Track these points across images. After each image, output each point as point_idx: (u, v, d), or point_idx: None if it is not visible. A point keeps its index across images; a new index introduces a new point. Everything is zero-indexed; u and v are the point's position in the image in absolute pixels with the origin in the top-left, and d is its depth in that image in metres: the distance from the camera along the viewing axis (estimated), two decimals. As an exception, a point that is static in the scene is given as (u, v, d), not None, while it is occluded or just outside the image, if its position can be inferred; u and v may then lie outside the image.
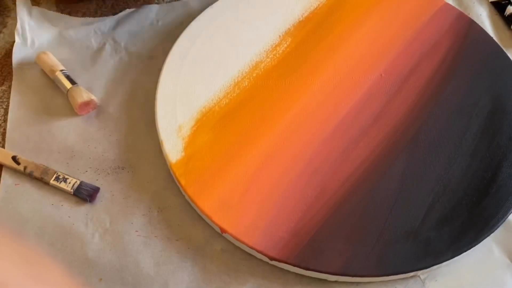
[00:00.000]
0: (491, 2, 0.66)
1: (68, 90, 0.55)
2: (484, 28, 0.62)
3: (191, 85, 0.56)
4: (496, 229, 0.47)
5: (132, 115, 0.56)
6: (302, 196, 0.48)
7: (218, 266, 0.46)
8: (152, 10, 0.64)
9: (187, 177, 0.49)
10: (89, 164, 0.52)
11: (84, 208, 0.49)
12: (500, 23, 0.64)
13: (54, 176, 0.50)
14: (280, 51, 0.59)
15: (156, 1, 0.65)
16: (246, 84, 0.56)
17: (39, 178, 0.50)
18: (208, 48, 0.59)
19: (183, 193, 0.49)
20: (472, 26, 0.61)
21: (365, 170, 0.50)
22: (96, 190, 0.50)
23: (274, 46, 0.59)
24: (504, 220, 0.48)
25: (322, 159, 0.51)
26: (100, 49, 0.61)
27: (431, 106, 0.55)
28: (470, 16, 0.63)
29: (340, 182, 0.49)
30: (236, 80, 0.56)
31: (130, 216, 0.49)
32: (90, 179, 0.51)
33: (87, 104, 0.55)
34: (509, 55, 0.59)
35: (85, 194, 0.49)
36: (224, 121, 0.53)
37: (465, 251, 0.46)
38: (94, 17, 0.63)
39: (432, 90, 0.56)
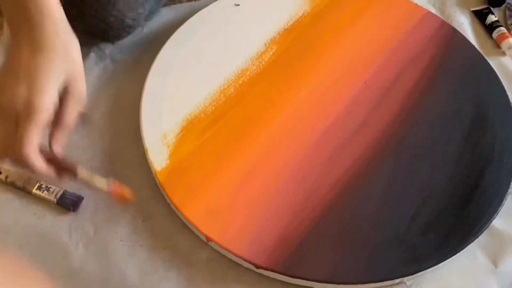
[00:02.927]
0: (473, 11, 0.67)
1: (52, 98, 0.55)
2: (466, 36, 0.63)
3: (177, 93, 0.55)
4: (480, 234, 0.47)
5: (116, 123, 0.55)
6: (289, 204, 0.48)
7: (204, 275, 0.46)
8: (137, 18, 0.64)
9: (173, 185, 0.48)
10: (73, 173, 0.51)
11: (68, 218, 0.48)
12: (482, 31, 0.65)
13: (37, 185, 0.49)
14: (266, 59, 0.59)
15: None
16: (232, 91, 0.56)
17: (22, 187, 0.49)
18: (194, 56, 0.59)
19: (169, 201, 0.48)
20: (454, 35, 0.62)
21: (350, 177, 0.50)
22: (80, 199, 0.49)
23: (259, 53, 0.60)
24: (488, 226, 0.48)
25: (308, 166, 0.51)
26: (84, 57, 0.60)
27: (416, 113, 0.55)
28: (452, 24, 0.64)
29: (326, 189, 0.49)
30: (222, 88, 0.56)
31: (114, 225, 0.48)
32: (74, 188, 0.50)
33: (71, 112, 0.54)
34: (490, 62, 0.60)
35: (68, 203, 0.48)
36: (210, 129, 0.53)
37: (450, 257, 0.46)
38: (79, 24, 0.63)
39: (416, 97, 0.56)
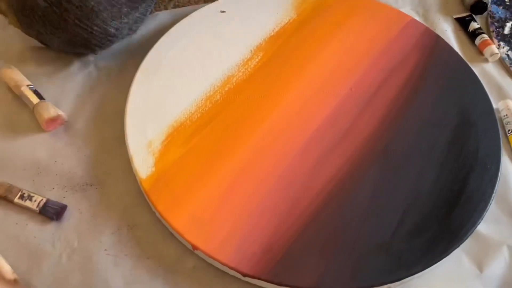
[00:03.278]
0: (456, 18, 0.68)
1: (35, 105, 0.54)
2: (449, 43, 0.64)
3: (162, 100, 0.55)
4: (466, 239, 0.48)
5: (101, 130, 0.55)
6: (275, 211, 0.48)
7: (190, 284, 0.45)
8: (122, 24, 0.64)
9: (158, 193, 0.48)
10: (56, 181, 0.50)
11: (51, 227, 0.47)
12: (464, 38, 0.66)
13: (19, 194, 0.48)
14: (252, 66, 0.59)
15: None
16: (218, 98, 0.56)
17: (3, 196, 0.48)
18: (180, 62, 0.59)
19: (154, 209, 0.48)
20: (438, 42, 0.63)
21: (337, 183, 0.50)
22: (63, 208, 0.48)
23: (245, 60, 0.60)
24: (473, 231, 0.48)
25: (294, 173, 0.51)
26: (68, 63, 0.60)
27: (401, 119, 0.55)
28: (436, 31, 0.65)
29: (312, 196, 0.49)
30: (208, 94, 0.56)
31: (99, 234, 0.47)
32: (57, 196, 0.49)
33: (54, 119, 0.54)
34: (473, 69, 0.61)
35: (51, 213, 0.48)
36: (196, 136, 0.52)
37: (436, 262, 0.46)
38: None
39: (401, 103, 0.57)
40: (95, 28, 0.53)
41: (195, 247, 0.45)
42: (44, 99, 0.55)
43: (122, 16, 0.54)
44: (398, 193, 0.50)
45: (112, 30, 0.54)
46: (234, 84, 0.57)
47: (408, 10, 0.69)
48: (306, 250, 0.46)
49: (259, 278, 0.44)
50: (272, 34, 0.62)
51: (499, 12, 0.68)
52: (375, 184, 0.50)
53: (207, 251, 0.45)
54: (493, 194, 0.50)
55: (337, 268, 0.45)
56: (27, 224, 0.47)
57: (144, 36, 0.63)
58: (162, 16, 0.65)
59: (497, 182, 0.51)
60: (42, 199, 0.48)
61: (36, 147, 0.52)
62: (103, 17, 0.52)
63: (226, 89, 0.57)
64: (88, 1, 0.51)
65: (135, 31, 0.60)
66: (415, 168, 0.52)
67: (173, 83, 0.57)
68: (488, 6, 0.68)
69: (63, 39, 0.54)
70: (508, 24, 0.67)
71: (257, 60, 0.60)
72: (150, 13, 0.64)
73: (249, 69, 0.59)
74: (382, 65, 0.60)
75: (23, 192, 0.48)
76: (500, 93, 0.60)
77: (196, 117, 0.54)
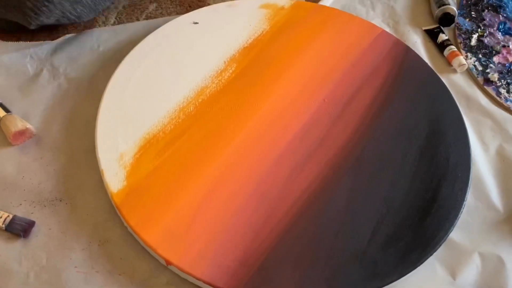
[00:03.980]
0: (425, 30, 0.70)
1: (1, 118, 0.52)
2: (419, 54, 0.65)
3: (134, 112, 0.54)
4: (439, 248, 0.48)
5: (71, 143, 0.53)
6: (250, 223, 0.47)
7: (164, 300, 0.44)
8: (92, 35, 0.63)
9: (130, 207, 0.47)
10: (23, 197, 0.49)
11: (18, 245, 0.46)
12: (434, 49, 0.68)
13: (-16, 211, 0.46)
14: (226, 77, 0.59)
15: (98, 25, 0.64)
16: (191, 109, 0.55)
17: (-33, 214, 0.46)
18: (152, 74, 0.58)
19: (126, 224, 0.47)
20: (408, 53, 0.64)
21: (310, 194, 0.50)
22: (31, 224, 0.47)
23: (219, 71, 0.59)
24: (445, 239, 0.49)
25: (268, 184, 0.50)
26: (37, 75, 0.59)
27: (373, 129, 0.56)
28: (406, 43, 0.66)
29: (287, 207, 0.49)
30: (181, 106, 0.56)
31: (68, 251, 0.46)
32: (24, 212, 0.48)
33: (22, 133, 0.52)
34: (442, 79, 0.62)
35: (18, 229, 0.46)
36: (169, 148, 0.52)
37: (410, 271, 0.47)
38: (31, 41, 0.61)
39: (373, 114, 0.57)
40: None
41: (168, 262, 0.44)
42: (10, 112, 0.53)
43: None
44: (372, 203, 0.50)
45: None
46: (208, 95, 0.57)
47: (379, 22, 0.70)
48: (281, 262, 0.45)
49: (234, 292, 0.43)
50: (246, 45, 0.62)
51: (466, 24, 0.70)
52: (349, 194, 0.51)
53: (181, 266, 0.44)
54: (464, 202, 0.51)
55: (312, 279, 0.45)
56: (-8, 242, 0.46)
57: (115, 47, 0.62)
58: (134, 27, 0.65)
59: (468, 190, 0.52)
60: (8, 216, 0.46)
61: (3, 162, 0.51)
62: None
63: (200, 100, 0.56)
64: None
65: (80, 14, 0.56)
66: (388, 178, 0.52)
67: (145, 95, 0.56)
68: (455, 18, 0.70)
69: None
70: (475, 36, 0.69)
71: (230, 71, 0.60)
72: (121, 22, 0.62)
73: (222, 80, 0.58)
74: (354, 76, 0.61)
75: (-12, 208, 0.47)
76: (468, 103, 0.62)
77: (169, 129, 0.53)
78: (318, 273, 0.45)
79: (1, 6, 0.51)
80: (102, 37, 0.63)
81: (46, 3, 0.52)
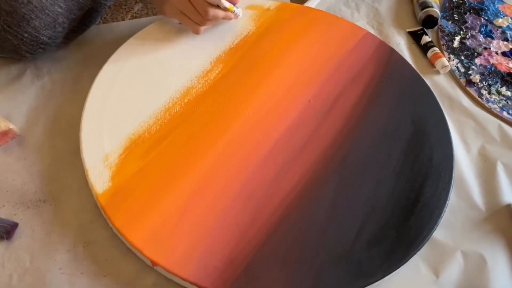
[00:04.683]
0: (408, 32, 0.71)
1: (-17, 119, 0.52)
2: (403, 55, 0.66)
3: (119, 112, 0.54)
4: (422, 247, 0.49)
5: (55, 144, 0.53)
6: (236, 223, 0.47)
7: (150, 301, 0.44)
8: (77, 35, 0.62)
9: (115, 208, 0.46)
10: (6, 198, 0.48)
11: (1, 247, 0.45)
12: (417, 51, 0.69)
13: (-35, 213, 0.46)
14: (212, 77, 0.59)
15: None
16: (177, 110, 0.55)
17: None
18: (137, 74, 0.58)
19: (111, 225, 0.47)
20: (392, 54, 0.65)
21: (297, 194, 0.50)
22: (14, 226, 0.46)
23: (205, 72, 0.59)
24: (429, 238, 0.50)
25: (255, 185, 0.50)
26: (20, 75, 0.58)
27: (358, 130, 0.57)
28: (390, 44, 0.67)
29: (273, 207, 0.49)
30: (167, 106, 0.55)
31: (53, 253, 0.45)
32: (7, 214, 0.47)
33: (5, 133, 0.51)
34: (426, 80, 0.63)
35: (1, 231, 0.45)
36: (155, 149, 0.51)
37: (395, 270, 0.47)
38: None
39: (358, 114, 0.58)
40: (26, 35, 0.51)
41: (154, 263, 0.44)
42: (-7, 112, 0.52)
43: (57, 26, 0.53)
44: (357, 203, 0.51)
45: (44, 39, 0.53)
46: (194, 96, 0.57)
47: (363, 24, 0.71)
48: (267, 262, 0.46)
49: (220, 292, 0.43)
50: (232, 46, 0.62)
51: (449, 27, 0.72)
52: (334, 194, 0.51)
53: (167, 266, 0.44)
54: (447, 201, 0.52)
55: (298, 279, 0.45)
56: (-26, 245, 0.45)
57: (101, 47, 0.62)
58: (119, 27, 0.64)
59: (451, 189, 0.53)
60: (-10, 218, 0.46)
61: (-15, 163, 0.50)
62: (34, 25, 0.51)
63: (186, 101, 0.56)
64: (19, 8, 0.50)
65: (71, 39, 0.58)
66: (373, 178, 0.53)
67: (130, 95, 0.56)
68: (438, 20, 0.71)
69: None
70: (457, 38, 0.70)
71: (217, 72, 0.60)
72: (97, 23, 0.62)
73: (209, 81, 0.58)
74: (339, 77, 0.61)
75: (-30, 210, 0.46)
76: (451, 104, 0.63)
77: (155, 129, 0.53)
78: (304, 273, 0.45)
79: (0, 49, 0.54)
80: (87, 37, 0.62)
81: (42, 46, 0.54)
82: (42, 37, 0.52)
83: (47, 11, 0.51)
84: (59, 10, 0.52)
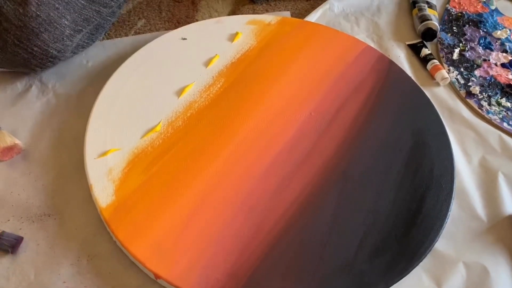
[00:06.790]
0: (408, 45, 0.72)
1: (-11, 134, 0.52)
2: (403, 68, 0.67)
3: (123, 126, 0.55)
4: (424, 257, 0.49)
5: (59, 159, 0.53)
6: (238, 236, 0.48)
7: (153, 314, 0.44)
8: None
9: (118, 222, 0.47)
10: (11, 212, 0.49)
11: (6, 261, 0.46)
12: (417, 63, 0.69)
13: (-29, 227, 0.46)
14: (214, 91, 0.60)
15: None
16: (179, 124, 0.56)
17: (-46, 230, 0.46)
18: (141, 88, 0.59)
19: (114, 239, 0.47)
20: (392, 67, 0.66)
21: (298, 206, 0.51)
22: (19, 240, 0.47)
23: (207, 86, 0.60)
24: (431, 249, 0.50)
25: (256, 197, 0.51)
26: (26, 90, 0.59)
27: (358, 142, 0.57)
28: (390, 57, 0.68)
29: (275, 220, 0.49)
30: (169, 120, 0.56)
31: (57, 266, 0.46)
32: (12, 228, 0.48)
33: (11, 148, 0.52)
34: (426, 92, 0.63)
35: (6, 245, 0.46)
36: (158, 162, 0.52)
37: (397, 281, 0.47)
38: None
39: (359, 127, 0.59)
40: (36, 49, 0.52)
41: (157, 276, 0.45)
42: (-1, 127, 0.53)
43: (65, 38, 0.54)
44: (358, 215, 0.51)
45: (54, 52, 0.54)
46: (196, 109, 0.58)
47: (363, 37, 0.71)
48: (269, 274, 0.46)
49: (223, 305, 0.44)
50: (234, 60, 0.63)
51: (448, 39, 0.72)
52: (336, 206, 0.51)
53: (170, 279, 0.44)
54: (449, 212, 0.52)
55: (300, 291, 0.45)
56: (-20, 259, 0.46)
57: (104, 63, 0.63)
58: (123, 42, 0.65)
59: (452, 200, 0.53)
60: (-4, 232, 0.46)
61: (-9, 178, 0.51)
62: (44, 38, 0.52)
63: (188, 114, 0.57)
64: (28, 22, 0.51)
65: (77, 53, 0.59)
66: (374, 189, 0.53)
67: (134, 110, 0.56)
68: (438, 33, 0.71)
69: (2, 58, 0.53)
70: (456, 50, 0.71)
71: (219, 86, 0.60)
72: (101, 38, 0.64)
73: (211, 95, 0.59)
74: (339, 90, 0.62)
75: (-24, 224, 0.46)
76: (451, 115, 0.63)
77: (157, 143, 0.54)
78: (306, 285, 0.46)
79: (8, 64, 0.55)
80: (91, 53, 0.63)
81: (51, 59, 0.55)
82: (51, 51, 0.53)
83: (55, 24, 0.52)
84: (66, 22, 0.53)
